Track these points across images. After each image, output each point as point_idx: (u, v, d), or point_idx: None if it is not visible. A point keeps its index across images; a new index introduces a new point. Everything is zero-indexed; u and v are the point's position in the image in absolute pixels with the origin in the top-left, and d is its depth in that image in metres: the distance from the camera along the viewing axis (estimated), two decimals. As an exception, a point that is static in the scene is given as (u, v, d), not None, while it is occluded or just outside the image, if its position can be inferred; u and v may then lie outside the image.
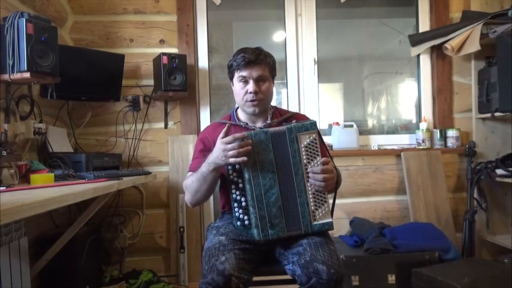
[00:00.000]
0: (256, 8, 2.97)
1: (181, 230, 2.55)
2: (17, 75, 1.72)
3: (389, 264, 2.24)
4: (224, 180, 1.58)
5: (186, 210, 2.56)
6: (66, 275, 2.09)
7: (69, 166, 1.98)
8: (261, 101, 1.58)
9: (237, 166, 1.45)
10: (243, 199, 1.45)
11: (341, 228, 2.67)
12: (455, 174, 2.79)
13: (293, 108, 2.73)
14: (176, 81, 2.40)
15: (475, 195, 2.66)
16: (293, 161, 1.42)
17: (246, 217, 1.45)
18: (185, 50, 2.62)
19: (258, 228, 1.40)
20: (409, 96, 3.01)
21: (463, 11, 2.74)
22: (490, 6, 2.72)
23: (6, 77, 1.73)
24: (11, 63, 1.71)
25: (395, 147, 2.81)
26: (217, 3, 2.73)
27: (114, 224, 2.57)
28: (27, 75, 1.72)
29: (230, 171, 1.46)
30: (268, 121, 1.63)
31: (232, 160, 1.37)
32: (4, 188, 1.45)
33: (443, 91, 2.81)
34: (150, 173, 2.34)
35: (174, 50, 2.63)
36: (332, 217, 1.47)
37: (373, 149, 2.80)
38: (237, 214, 1.47)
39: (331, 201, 1.50)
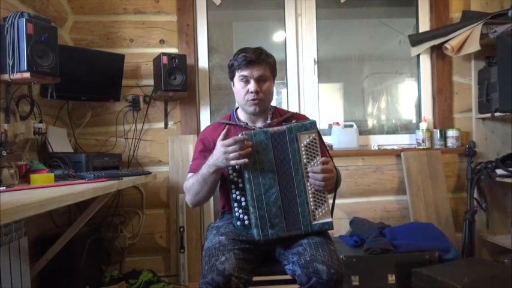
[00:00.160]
0: (256, 8, 2.97)
1: (181, 230, 2.55)
2: (17, 75, 1.72)
3: (389, 264, 2.24)
4: (224, 180, 1.58)
5: (186, 210, 2.56)
6: (66, 275, 2.08)
7: (69, 166, 1.98)
8: (262, 100, 1.58)
9: (237, 166, 1.45)
10: (242, 199, 1.45)
11: (341, 228, 2.67)
12: (455, 174, 2.79)
13: (293, 108, 2.73)
14: (176, 81, 2.40)
15: (475, 195, 2.66)
16: (293, 161, 1.42)
17: (245, 217, 1.45)
18: (185, 50, 2.62)
19: (257, 228, 1.40)
20: (409, 96, 3.01)
21: (463, 11, 2.74)
22: (490, 6, 2.72)
23: (6, 77, 1.73)
24: (11, 63, 1.71)
25: (395, 147, 2.81)
26: (217, 3, 2.73)
27: (114, 224, 2.57)
28: (27, 75, 1.72)
29: (230, 171, 1.46)
30: (268, 121, 1.63)
31: (233, 162, 1.37)
32: (4, 188, 1.45)
33: (443, 91, 2.81)
34: (150, 173, 2.34)
35: (174, 50, 2.63)
36: (332, 217, 1.47)
37: (373, 149, 2.80)
38: (237, 214, 1.48)
39: (331, 201, 1.50)
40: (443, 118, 2.81)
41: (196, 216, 2.59)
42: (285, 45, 2.81)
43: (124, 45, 2.61)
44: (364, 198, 2.74)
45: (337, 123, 2.76)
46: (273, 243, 1.49)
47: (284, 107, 2.67)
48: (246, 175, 1.41)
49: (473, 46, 2.57)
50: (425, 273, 2.06)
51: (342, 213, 2.69)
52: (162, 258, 2.62)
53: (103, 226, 2.54)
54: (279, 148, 1.43)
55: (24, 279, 1.75)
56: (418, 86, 2.94)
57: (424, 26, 2.87)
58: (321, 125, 2.84)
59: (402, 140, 2.88)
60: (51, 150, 2.15)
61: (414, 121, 2.96)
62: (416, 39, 2.79)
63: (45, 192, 1.35)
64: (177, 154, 2.61)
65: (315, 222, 1.43)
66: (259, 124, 1.64)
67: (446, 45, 2.64)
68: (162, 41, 2.64)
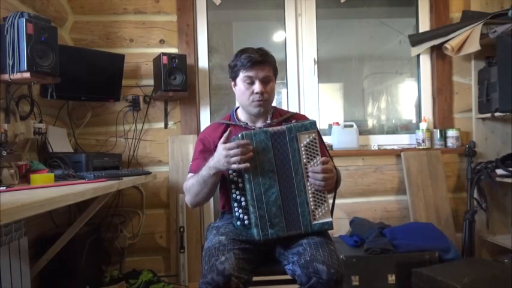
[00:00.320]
0: (256, 8, 2.97)
1: (181, 230, 2.55)
2: (17, 75, 1.72)
3: (390, 264, 2.24)
4: (224, 180, 1.58)
5: (186, 210, 2.56)
6: (66, 275, 2.08)
7: (69, 166, 1.98)
8: (266, 101, 1.58)
9: (237, 166, 1.45)
10: (242, 199, 1.45)
11: (341, 228, 2.67)
12: (455, 174, 2.79)
13: (293, 108, 2.74)
14: (176, 81, 2.40)
15: (475, 195, 2.66)
16: (293, 161, 1.42)
17: (245, 217, 1.45)
18: (185, 50, 2.62)
19: (257, 228, 1.40)
20: (409, 96, 3.01)
21: (463, 11, 2.74)
22: (490, 6, 2.72)
23: (6, 77, 1.73)
24: (11, 63, 1.71)
25: (395, 147, 2.81)
26: (217, 3, 2.73)
27: (114, 224, 2.57)
28: (27, 75, 1.72)
29: (230, 171, 1.46)
30: (268, 121, 1.63)
31: (234, 166, 1.37)
32: (4, 188, 1.45)
33: (443, 91, 2.81)
34: (150, 173, 2.34)
35: (174, 50, 2.63)
36: (332, 217, 1.47)
37: (373, 149, 2.80)
38: (236, 214, 1.47)
39: (330, 200, 1.50)
40: (443, 118, 2.81)
41: (196, 216, 2.59)
42: (285, 45, 2.81)
43: (124, 45, 2.61)
44: (364, 198, 2.74)
45: (337, 123, 2.76)
46: (273, 243, 1.49)
47: (284, 107, 2.67)
48: (246, 175, 1.41)
49: (473, 46, 2.57)
50: (425, 273, 2.06)
51: (342, 213, 2.69)
52: (162, 258, 2.62)
53: (103, 226, 2.54)
54: (279, 148, 1.43)
55: (24, 279, 1.75)
56: (418, 86, 2.94)
57: (424, 26, 2.87)
58: (321, 125, 2.84)
59: (402, 140, 2.88)
60: (51, 150, 2.15)
61: (414, 121, 2.96)
62: (416, 39, 2.79)
63: (45, 192, 1.35)
64: (177, 154, 2.61)
65: (315, 222, 1.43)
66: (259, 124, 1.64)
67: (446, 45, 2.64)
68: (162, 41, 2.64)
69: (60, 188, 1.48)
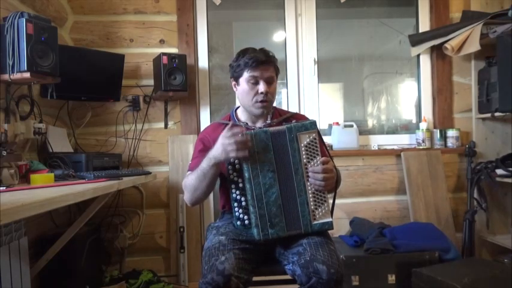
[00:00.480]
0: (256, 8, 2.97)
1: (181, 230, 2.55)
2: (17, 75, 1.72)
3: (390, 264, 2.24)
4: (224, 180, 1.58)
5: (186, 210, 2.56)
6: (66, 275, 2.08)
7: (69, 166, 1.98)
8: (270, 102, 1.59)
9: (237, 166, 1.45)
10: (243, 198, 1.45)
11: (341, 228, 2.67)
12: (455, 174, 2.79)
13: (293, 108, 2.74)
14: (176, 81, 2.40)
15: (475, 195, 2.66)
16: (293, 161, 1.42)
17: (246, 217, 1.45)
18: (185, 50, 2.62)
19: (258, 228, 1.40)
20: (409, 96, 3.01)
21: (463, 11, 2.74)
22: (490, 6, 2.72)
23: (6, 77, 1.73)
24: (11, 63, 1.71)
25: (395, 147, 2.81)
26: (217, 3, 2.73)
27: (114, 224, 2.57)
28: (27, 75, 1.72)
29: (230, 171, 1.46)
30: (268, 121, 1.63)
31: (232, 154, 1.37)
32: (4, 188, 1.45)
33: (443, 91, 2.81)
34: (150, 173, 2.34)
35: (174, 50, 2.63)
36: (332, 217, 1.47)
37: (373, 149, 2.80)
38: (237, 214, 1.47)
39: (331, 200, 1.50)
40: (443, 118, 2.81)
41: (196, 216, 2.59)
42: (285, 45, 2.82)
43: (124, 45, 2.61)
44: (364, 198, 2.74)
45: (337, 123, 2.76)
46: (273, 243, 1.49)
47: (284, 107, 2.67)
48: (246, 175, 1.41)
49: (473, 46, 2.57)
50: (425, 273, 2.06)
51: (342, 213, 2.69)
52: (162, 258, 2.62)
53: (103, 226, 2.54)
54: (279, 148, 1.43)
55: (24, 279, 1.75)
56: (418, 86, 2.94)
57: (424, 26, 2.87)
58: (321, 125, 2.84)
59: (402, 140, 2.88)
60: (51, 150, 2.15)
61: (414, 121, 2.96)
62: (416, 39, 2.79)
63: (45, 192, 1.35)
64: (177, 154, 2.61)
65: (315, 222, 1.42)
66: (259, 124, 1.64)
67: (446, 45, 2.64)
68: (162, 41, 2.64)
69: (60, 188, 1.48)
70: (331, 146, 2.71)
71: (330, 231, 1.51)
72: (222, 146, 1.38)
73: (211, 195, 2.61)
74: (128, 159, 2.59)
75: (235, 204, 1.47)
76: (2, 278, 1.60)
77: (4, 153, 1.62)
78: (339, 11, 2.99)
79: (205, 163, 1.45)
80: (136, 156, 2.62)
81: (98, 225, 2.48)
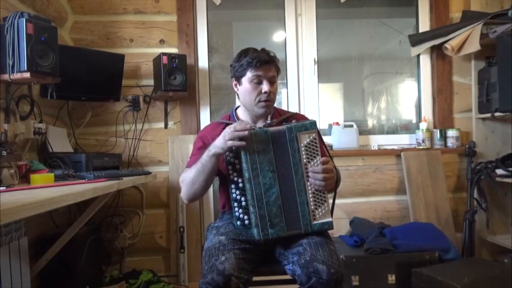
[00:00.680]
0: (256, 8, 2.97)
1: (181, 230, 2.55)
2: (17, 75, 1.72)
3: (390, 264, 2.24)
4: (224, 179, 1.58)
5: (186, 210, 2.56)
6: (66, 275, 2.08)
7: (69, 166, 1.98)
8: (272, 101, 1.60)
9: (237, 166, 1.45)
10: (243, 198, 1.45)
11: (341, 228, 2.67)
12: (455, 174, 2.79)
13: (293, 108, 2.74)
14: (176, 81, 2.40)
15: (475, 195, 2.66)
16: (293, 161, 1.42)
17: (246, 217, 1.45)
18: (185, 50, 2.62)
19: (258, 228, 1.40)
20: (409, 96, 3.01)
21: (463, 11, 2.74)
22: (490, 6, 2.72)
23: (6, 77, 1.73)
24: (11, 63, 1.71)
25: (395, 147, 2.81)
26: (217, 3, 2.73)
27: (114, 224, 2.57)
28: (27, 75, 1.72)
29: (230, 171, 1.46)
30: (268, 121, 1.63)
31: (230, 143, 1.38)
32: (4, 188, 1.45)
33: (443, 91, 2.81)
34: (150, 173, 2.34)
35: (174, 50, 2.63)
36: (332, 217, 1.47)
37: (373, 149, 2.80)
38: (237, 214, 1.47)
39: (330, 200, 1.50)
40: (443, 118, 2.81)
41: (196, 216, 2.59)
42: (285, 45, 2.82)
43: (124, 45, 2.61)
44: (364, 198, 2.74)
45: (337, 123, 2.76)
46: (273, 243, 1.49)
47: (284, 107, 2.67)
48: (246, 174, 1.41)
49: (473, 46, 2.57)
50: (425, 273, 2.06)
51: (342, 213, 2.69)
52: (162, 258, 2.62)
53: (103, 226, 2.54)
54: (279, 148, 1.43)
55: (24, 279, 1.75)
56: (418, 86, 2.94)
57: (424, 26, 2.87)
58: (321, 125, 2.84)
59: (402, 140, 2.88)
60: (51, 150, 2.15)
61: (414, 121, 2.96)
62: (416, 39, 2.79)
63: (45, 192, 1.35)
64: (177, 154, 2.61)
65: (315, 222, 1.43)
66: (260, 124, 1.63)
67: (446, 45, 2.64)
68: (162, 41, 2.64)
69: (60, 188, 1.48)
70: (331, 146, 2.71)
71: (330, 231, 1.51)
72: (223, 134, 1.40)
73: (211, 195, 2.61)
74: (128, 159, 2.59)
75: (235, 204, 1.47)
76: (2, 278, 1.60)
77: (4, 153, 1.62)
78: (339, 11, 2.99)
79: (205, 154, 1.46)
80: (136, 156, 2.62)
81: (98, 225, 2.48)
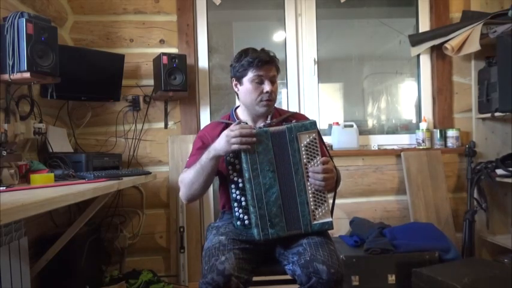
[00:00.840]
0: (256, 8, 2.97)
1: (181, 230, 2.55)
2: (17, 75, 1.72)
3: (390, 264, 2.24)
4: (224, 179, 1.57)
5: (186, 210, 2.56)
6: (66, 275, 2.08)
7: (69, 166, 1.98)
8: (274, 101, 1.60)
9: (237, 166, 1.45)
10: (243, 198, 1.45)
11: (341, 228, 2.67)
12: (455, 174, 2.79)
13: (293, 108, 2.74)
14: (176, 81, 2.40)
15: (475, 195, 2.66)
16: (293, 161, 1.42)
17: (246, 217, 1.45)
18: (185, 50, 2.62)
19: (258, 228, 1.40)
20: (409, 96, 3.01)
21: (463, 11, 2.74)
22: (490, 6, 2.72)
23: (6, 77, 1.73)
24: (11, 63, 1.71)
25: (395, 147, 2.81)
26: (217, 3, 2.73)
27: (114, 224, 2.57)
28: (27, 75, 1.72)
29: (230, 171, 1.46)
30: (268, 121, 1.63)
31: (235, 147, 1.37)
32: (4, 188, 1.45)
33: (443, 91, 2.81)
34: (150, 173, 2.34)
35: (174, 50, 2.63)
36: (332, 217, 1.47)
37: (373, 149, 2.80)
38: (237, 214, 1.47)
39: (330, 200, 1.50)
40: (443, 118, 2.81)
41: (196, 216, 2.59)
42: (285, 45, 2.82)
43: (124, 45, 2.61)
44: (364, 198, 2.74)
45: (337, 123, 2.76)
46: (273, 243, 1.49)
47: (284, 107, 2.67)
48: (246, 174, 1.41)
49: (473, 46, 2.57)
50: (425, 273, 2.06)
51: (342, 213, 2.69)
52: (162, 258, 2.62)
53: (103, 226, 2.54)
54: (279, 148, 1.43)
55: (24, 279, 1.75)
56: (418, 86, 2.94)
57: (424, 26, 2.87)
58: (321, 125, 2.84)
59: (402, 140, 2.88)
60: (51, 150, 2.15)
61: (414, 121, 2.96)
62: (416, 39, 2.79)
63: (45, 192, 1.36)
64: (177, 154, 2.61)
65: (315, 222, 1.42)
66: (260, 124, 1.63)
67: (446, 45, 2.64)
68: (162, 41, 2.64)
69: (60, 188, 1.48)
70: (331, 146, 2.71)
71: (330, 231, 1.51)
72: (226, 138, 1.39)
73: (211, 195, 2.61)
74: (128, 159, 2.59)
75: (235, 204, 1.47)
76: (2, 278, 1.60)
77: (4, 153, 1.62)
78: (339, 11, 2.99)
79: (205, 156, 1.46)
80: (136, 156, 2.62)
81: (98, 225, 2.48)
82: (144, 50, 2.63)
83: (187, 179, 1.52)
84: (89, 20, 2.59)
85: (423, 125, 2.75)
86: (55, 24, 2.18)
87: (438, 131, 2.76)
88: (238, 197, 1.46)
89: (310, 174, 1.42)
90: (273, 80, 1.58)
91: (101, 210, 2.33)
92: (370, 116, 3.03)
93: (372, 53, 3.00)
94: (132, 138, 2.62)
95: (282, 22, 2.84)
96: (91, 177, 1.86)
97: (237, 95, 1.67)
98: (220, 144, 1.41)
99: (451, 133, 2.74)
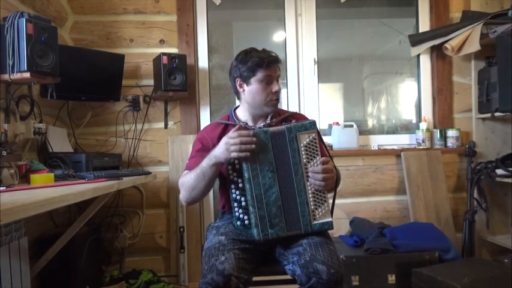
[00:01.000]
0: (256, 8, 2.97)
1: (181, 230, 2.55)
2: (17, 75, 1.72)
3: (390, 264, 2.24)
4: (224, 180, 1.57)
5: (186, 210, 2.56)
6: (66, 275, 2.08)
7: (69, 166, 1.98)
8: (279, 100, 1.61)
9: (237, 166, 1.45)
10: (242, 199, 1.45)
11: (341, 228, 2.67)
12: (455, 174, 2.79)
13: (293, 108, 2.74)
14: (176, 81, 2.40)
15: (475, 195, 2.66)
16: (293, 161, 1.42)
17: (245, 217, 1.45)
18: (185, 50, 2.62)
19: (257, 228, 1.40)
20: (409, 96, 3.01)
21: (463, 11, 2.74)
22: (490, 6, 2.72)
23: (6, 77, 1.73)
24: (11, 63, 1.71)
25: (395, 147, 2.81)
26: (217, 3, 2.73)
27: (114, 224, 2.57)
28: (27, 75, 1.72)
29: (230, 171, 1.46)
30: (268, 121, 1.63)
31: (234, 155, 1.37)
32: (4, 188, 1.45)
33: (443, 91, 2.81)
34: (150, 173, 2.34)
35: (174, 50, 2.63)
36: (332, 217, 1.47)
37: (373, 149, 2.80)
38: (236, 214, 1.47)
39: (330, 200, 1.50)
40: (443, 118, 2.81)
41: (196, 216, 2.59)
42: (285, 45, 2.82)
43: (124, 45, 2.61)
44: (364, 198, 2.74)
45: (337, 123, 2.76)
46: (273, 243, 1.49)
47: (284, 107, 2.66)
48: (246, 175, 1.41)
49: (473, 46, 2.57)
50: (425, 273, 2.06)
51: (342, 213, 2.69)
52: (162, 258, 2.62)
53: (103, 226, 2.54)
54: (279, 148, 1.43)
55: (24, 279, 1.75)
56: (418, 86, 2.94)
57: (424, 26, 2.87)
58: (321, 125, 2.84)
59: (402, 140, 2.88)
60: (51, 150, 2.15)
61: (414, 121, 2.96)
62: (416, 39, 2.79)
63: (45, 192, 1.36)
64: (177, 154, 2.61)
65: (315, 222, 1.42)
66: (259, 124, 1.64)
67: (446, 45, 2.64)
68: (162, 41, 2.64)
69: (60, 188, 1.48)
70: (331, 146, 2.71)
71: (330, 231, 1.51)
72: (225, 145, 1.39)
73: (211, 195, 2.61)
74: (128, 159, 2.59)
75: (235, 204, 1.47)
76: (2, 278, 1.60)
77: (4, 153, 1.62)
78: (339, 11, 2.99)
79: (206, 162, 1.45)
80: (136, 156, 2.62)
81: (98, 225, 2.48)
82: (144, 50, 2.63)
83: (187, 183, 1.52)
84: (89, 20, 2.59)
85: (423, 125, 2.75)
86: (55, 24, 2.18)
87: (438, 131, 2.76)
88: (238, 197, 1.46)
89: (310, 174, 1.42)
90: (278, 80, 1.60)
91: (101, 210, 2.33)
92: (370, 116, 3.03)
93: (372, 53, 3.00)
94: (132, 138, 2.62)
95: (282, 22, 2.84)
96: (91, 177, 1.86)
97: (238, 96, 1.67)
98: (220, 151, 1.41)
99: (451, 133, 2.74)
